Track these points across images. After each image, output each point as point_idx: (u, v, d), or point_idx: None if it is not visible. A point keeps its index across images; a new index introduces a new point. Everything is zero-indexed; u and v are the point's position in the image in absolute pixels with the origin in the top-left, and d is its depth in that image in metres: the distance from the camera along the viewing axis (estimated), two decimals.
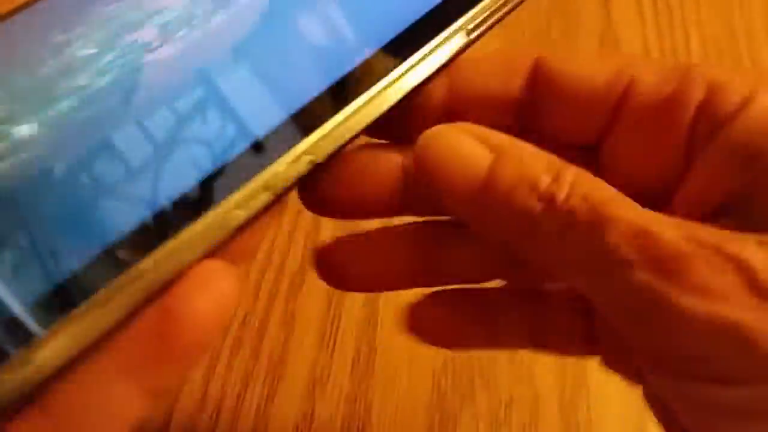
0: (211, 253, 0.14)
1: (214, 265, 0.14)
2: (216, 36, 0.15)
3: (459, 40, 0.17)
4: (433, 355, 0.32)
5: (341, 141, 0.16)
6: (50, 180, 0.13)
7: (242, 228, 0.14)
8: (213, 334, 0.14)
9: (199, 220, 0.14)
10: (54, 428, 0.13)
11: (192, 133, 0.15)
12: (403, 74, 0.16)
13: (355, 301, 0.33)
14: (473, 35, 0.17)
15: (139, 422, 0.14)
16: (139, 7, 0.15)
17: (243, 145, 0.15)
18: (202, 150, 0.14)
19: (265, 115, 0.15)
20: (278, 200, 0.15)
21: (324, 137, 0.15)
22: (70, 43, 0.14)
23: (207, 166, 0.14)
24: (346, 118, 0.16)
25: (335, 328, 0.33)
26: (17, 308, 0.12)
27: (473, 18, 0.17)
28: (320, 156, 0.15)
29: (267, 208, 0.15)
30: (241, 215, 0.14)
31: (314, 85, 0.16)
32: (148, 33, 0.15)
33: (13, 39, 0.14)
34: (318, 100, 0.16)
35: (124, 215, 0.14)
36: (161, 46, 0.15)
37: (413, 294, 0.35)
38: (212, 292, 0.14)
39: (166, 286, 0.14)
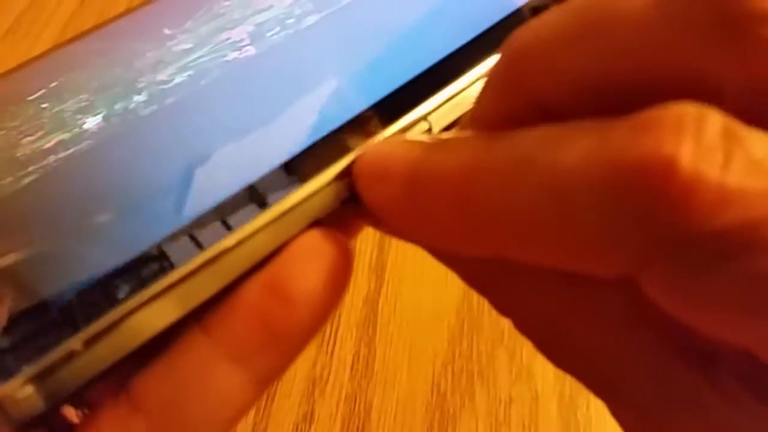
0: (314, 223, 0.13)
1: (322, 233, 0.12)
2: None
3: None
4: (433, 355, 0.32)
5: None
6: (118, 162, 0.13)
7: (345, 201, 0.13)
8: (325, 315, 0.12)
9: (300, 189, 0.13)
10: (149, 425, 0.11)
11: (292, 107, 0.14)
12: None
13: (355, 301, 0.33)
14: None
15: (246, 412, 0.12)
16: (245, 6, 0.16)
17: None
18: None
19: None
20: None
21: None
22: (173, 38, 0.15)
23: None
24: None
25: (335, 328, 0.33)
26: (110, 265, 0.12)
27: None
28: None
29: None
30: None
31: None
32: (240, 32, 0.15)
33: (127, 33, 0.15)
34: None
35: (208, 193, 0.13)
36: (249, 45, 0.15)
37: (413, 297, 0.35)
38: (322, 264, 0.12)
39: (265, 259, 0.12)
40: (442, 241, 0.12)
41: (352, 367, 0.31)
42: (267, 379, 0.12)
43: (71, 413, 0.12)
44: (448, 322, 0.33)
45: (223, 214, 0.13)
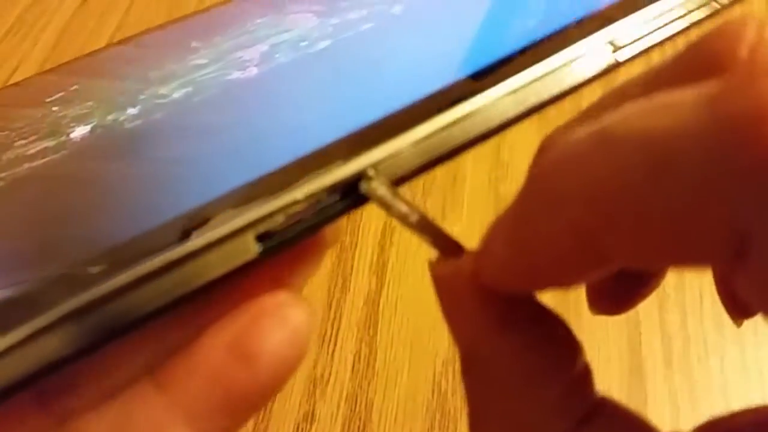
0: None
1: (285, 296, 0.12)
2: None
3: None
4: (434, 355, 0.32)
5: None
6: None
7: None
8: (286, 377, 0.11)
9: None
10: None
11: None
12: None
13: (355, 301, 0.33)
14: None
15: None
16: (274, 25, 0.15)
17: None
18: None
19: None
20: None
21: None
22: (195, 51, 0.14)
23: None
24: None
25: (335, 328, 0.33)
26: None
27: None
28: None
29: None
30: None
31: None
32: (254, 51, 0.15)
33: (160, 42, 0.15)
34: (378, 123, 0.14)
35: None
36: (255, 66, 0.14)
37: (414, 297, 0.34)
38: (287, 327, 0.11)
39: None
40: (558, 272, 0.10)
41: (353, 367, 0.31)
42: None
43: None
44: None
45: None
